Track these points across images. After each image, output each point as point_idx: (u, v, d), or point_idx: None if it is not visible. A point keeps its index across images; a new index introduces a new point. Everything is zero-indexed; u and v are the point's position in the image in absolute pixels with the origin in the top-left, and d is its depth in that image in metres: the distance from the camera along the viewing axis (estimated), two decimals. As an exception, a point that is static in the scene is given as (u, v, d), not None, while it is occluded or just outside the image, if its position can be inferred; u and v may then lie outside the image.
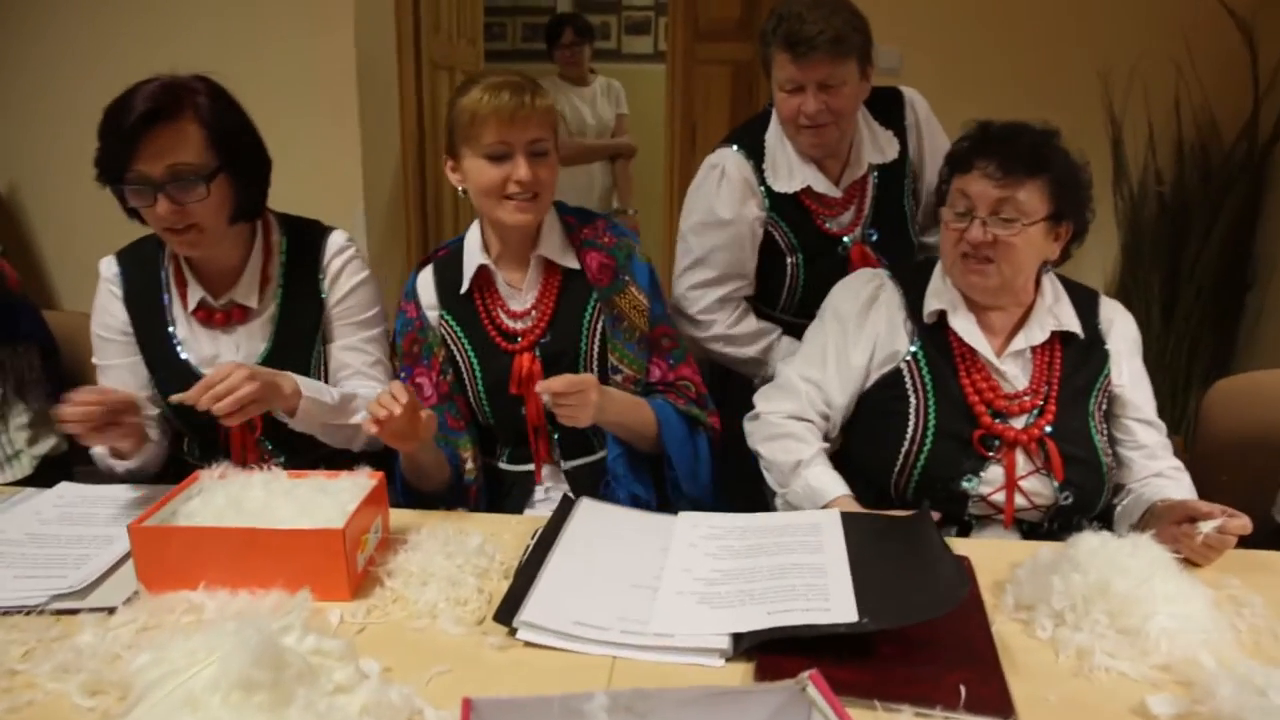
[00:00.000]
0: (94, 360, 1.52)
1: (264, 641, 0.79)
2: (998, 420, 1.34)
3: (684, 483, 1.42)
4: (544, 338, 1.44)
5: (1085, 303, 1.44)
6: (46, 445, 1.80)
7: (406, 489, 1.44)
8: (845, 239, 1.72)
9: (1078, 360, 1.39)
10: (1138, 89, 2.72)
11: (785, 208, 1.70)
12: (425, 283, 1.49)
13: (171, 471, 1.48)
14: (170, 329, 1.46)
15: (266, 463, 1.27)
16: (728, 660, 0.94)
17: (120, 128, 1.28)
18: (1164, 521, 1.21)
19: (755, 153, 1.72)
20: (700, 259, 1.73)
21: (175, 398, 1.26)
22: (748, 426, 1.49)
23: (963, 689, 0.86)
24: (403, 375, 1.47)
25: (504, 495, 1.48)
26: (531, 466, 1.47)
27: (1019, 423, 1.35)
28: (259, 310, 1.46)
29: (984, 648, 0.96)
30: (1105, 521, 1.36)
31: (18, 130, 3.04)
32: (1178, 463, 1.40)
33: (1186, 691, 0.88)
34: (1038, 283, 1.40)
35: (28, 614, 1.03)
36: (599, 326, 1.44)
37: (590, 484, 1.45)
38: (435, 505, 1.39)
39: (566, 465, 1.47)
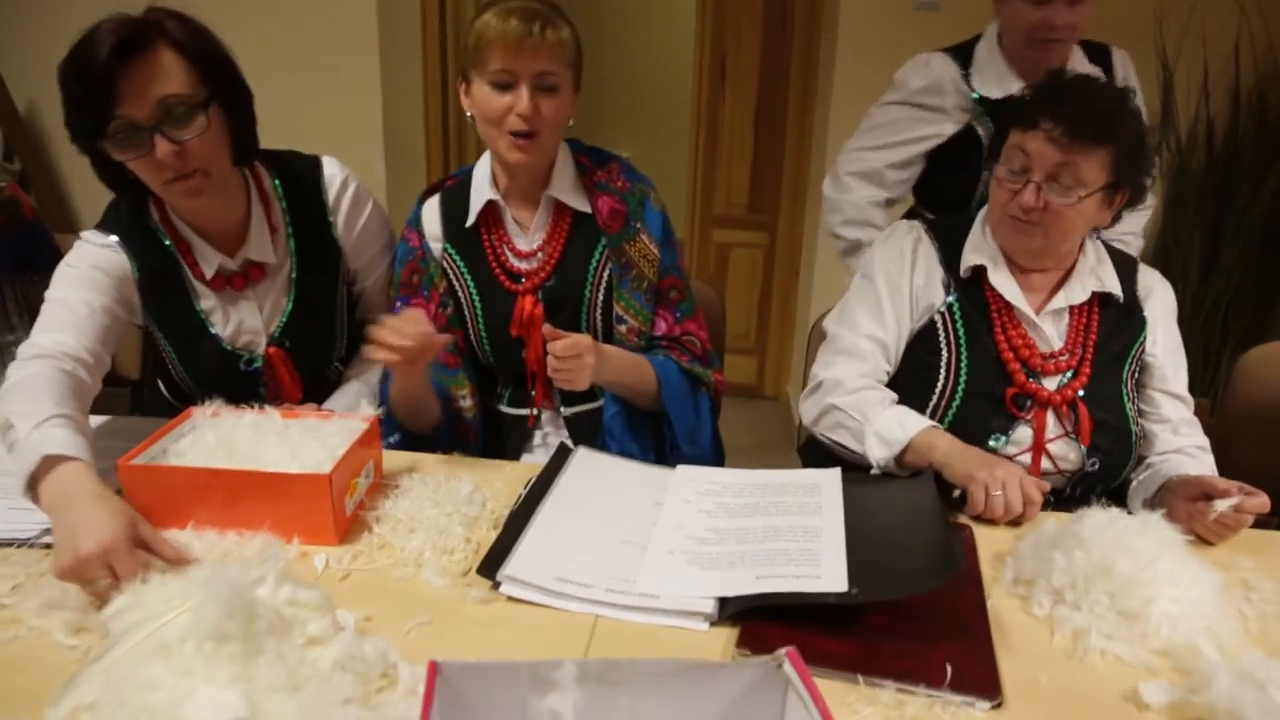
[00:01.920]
0: (53, 291, 1.28)
1: (235, 593, 0.78)
2: (1031, 380, 1.30)
3: (683, 443, 1.39)
4: (549, 281, 1.40)
5: (1125, 268, 1.37)
6: (57, 372, 1.81)
7: (403, 430, 1.42)
8: None
9: (1115, 325, 1.33)
10: (1194, 31, 2.56)
11: (993, 110, 1.70)
12: (430, 213, 1.45)
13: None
14: (196, 306, 1.36)
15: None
16: (712, 625, 0.92)
17: (90, 72, 1.12)
18: (1178, 497, 1.17)
19: (962, 59, 1.76)
20: (880, 125, 1.81)
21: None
22: (806, 403, 1.41)
23: (949, 667, 0.84)
24: (398, 305, 1.43)
25: (503, 438, 1.47)
26: (535, 410, 1.45)
27: (1052, 383, 1.30)
28: (276, 266, 1.39)
29: (977, 624, 0.93)
30: (1121, 495, 1.32)
31: (35, 47, 3.00)
32: (1203, 441, 1.35)
33: (1183, 680, 0.85)
34: (1081, 244, 1.34)
35: (18, 547, 1.03)
36: (606, 273, 1.40)
37: (590, 432, 1.42)
38: (436, 446, 1.37)
39: (567, 412, 1.44)
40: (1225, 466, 1.63)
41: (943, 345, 1.34)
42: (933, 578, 0.91)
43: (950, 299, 1.35)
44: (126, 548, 0.94)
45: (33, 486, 1.02)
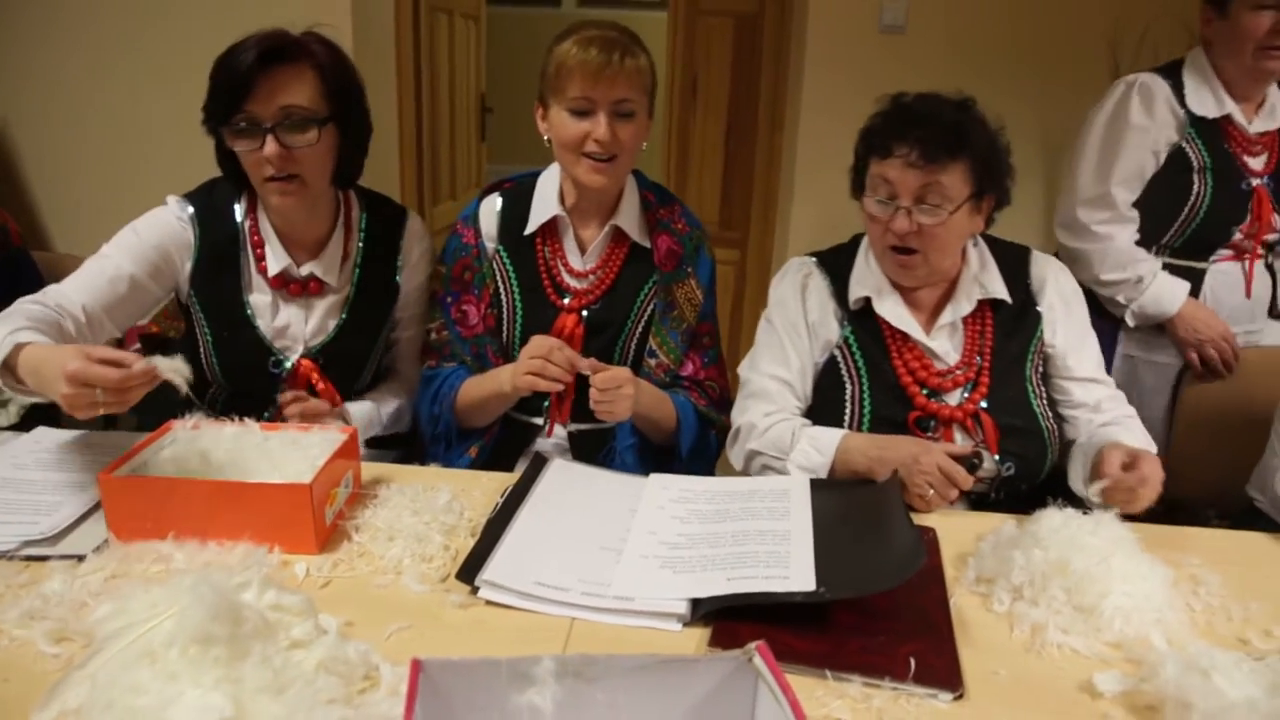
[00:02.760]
0: (108, 248, 1.39)
1: (220, 597, 0.80)
2: (932, 399, 1.34)
3: None
4: (596, 304, 1.43)
5: (1015, 264, 1.41)
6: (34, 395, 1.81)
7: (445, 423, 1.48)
8: (1255, 181, 1.76)
9: (1009, 327, 1.38)
10: (1147, 53, 2.66)
11: (1204, 129, 1.76)
12: (489, 212, 1.48)
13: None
14: (246, 296, 1.42)
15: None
16: (685, 625, 0.95)
17: (236, 69, 1.27)
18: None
19: (1173, 78, 1.80)
20: (1103, 165, 1.80)
21: (289, 410, 1.29)
22: (732, 452, 1.44)
23: (913, 661, 0.87)
24: (448, 300, 1.47)
25: (506, 442, 1.50)
26: (539, 419, 1.48)
27: (953, 398, 1.34)
28: (336, 288, 1.45)
29: (940, 620, 0.97)
30: (1063, 483, 1.35)
31: (13, 65, 2.99)
32: (1129, 410, 1.39)
33: (1135, 670, 0.89)
34: (964, 252, 1.38)
35: (-1, 559, 1.04)
36: (650, 308, 1.44)
37: (590, 450, 1.45)
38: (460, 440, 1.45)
39: (572, 427, 1.47)
40: (1183, 472, 1.70)
41: (845, 378, 1.38)
42: (896, 575, 0.95)
43: (845, 332, 1.39)
44: (98, 353, 1.05)
45: (10, 372, 1.13)
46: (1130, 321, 1.82)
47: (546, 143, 1.40)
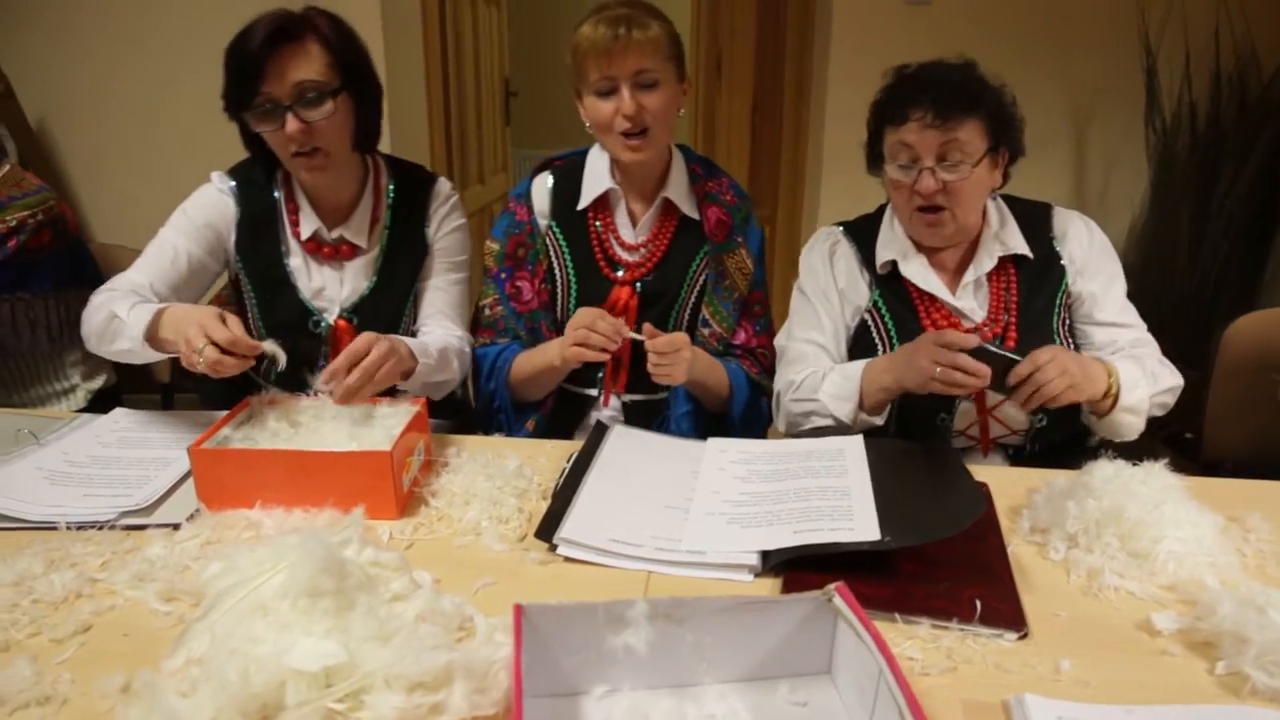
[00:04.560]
0: (167, 230, 1.49)
1: (328, 553, 0.85)
2: None
3: None
4: (649, 276, 1.48)
5: (1035, 220, 1.44)
6: (99, 380, 1.89)
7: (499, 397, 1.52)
8: None
9: (1033, 281, 1.41)
10: (1176, 17, 2.66)
11: None
12: (541, 189, 1.52)
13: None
14: (285, 260, 1.50)
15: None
16: (756, 576, 1.00)
17: (246, 53, 1.32)
18: None
19: None
20: None
21: (324, 375, 1.23)
22: (777, 417, 1.48)
23: (978, 603, 0.91)
24: (502, 276, 1.51)
25: (563, 413, 1.54)
26: (593, 391, 1.53)
27: None
28: (367, 249, 1.51)
29: (1000, 567, 1.01)
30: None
31: (44, 63, 3.05)
32: (1150, 348, 1.39)
33: (1190, 609, 0.93)
34: (984, 212, 1.42)
35: (99, 529, 1.10)
36: (702, 278, 1.48)
37: (644, 420, 1.50)
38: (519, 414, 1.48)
39: (627, 398, 1.51)
40: (1219, 431, 1.72)
41: (876, 341, 1.42)
42: (958, 522, 0.99)
43: (874, 296, 1.43)
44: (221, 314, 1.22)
45: (150, 338, 1.28)
46: None
47: (589, 130, 1.43)
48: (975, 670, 0.85)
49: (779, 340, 1.54)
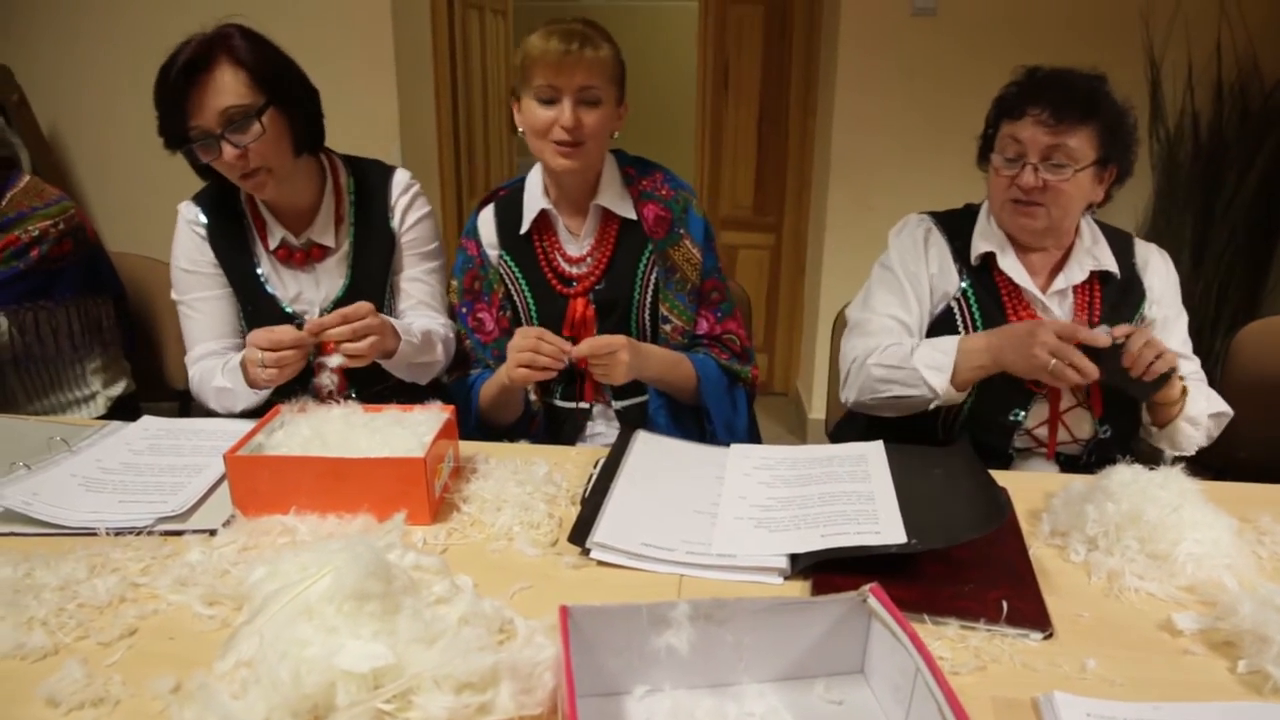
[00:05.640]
0: (176, 296, 1.59)
1: (375, 556, 0.87)
2: None
3: (721, 434, 1.50)
4: (599, 284, 1.50)
5: (1121, 245, 1.49)
6: (119, 387, 1.91)
7: (479, 423, 1.52)
8: None
9: (1116, 299, 1.44)
10: (1179, 29, 2.70)
11: None
12: (486, 221, 1.55)
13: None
14: (257, 268, 1.53)
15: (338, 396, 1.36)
16: (786, 579, 1.02)
17: (167, 90, 1.36)
18: None
19: None
20: None
21: (313, 323, 1.32)
22: (846, 389, 1.48)
23: (1004, 604, 0.94)
24: (464, 311, 1.54)
25: (558, 429, 1.57)
26: (584, 404, 1.55)
27: None
28: (335, 248, 1.54)
29: (1023, 569, 1.03)
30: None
31: (55, 71, 3.08)
32: (1202, 380, 1.46)
33: (1210, 610, 0.95)
34: (1077, 226, 1.45)
35: (138, 534, 1.12)
36: (653, 277, 1.50)
37: (638, 424, 1.52)
38: (500, 438, 1.47)
39: (618, 405, 1.54)
40: (1231, 436, 1.75)
41: (960, 330, 1.44)
42: (984, 525, 1.02)
43: (964, 284, 1.45)
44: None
45: (254, 386, 1.42)
46: None
47: (520, 134, 1.46)
48: (1003, 669, 0.88)
49: (852, 312, 1.55)
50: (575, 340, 1.50)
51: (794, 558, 1.03)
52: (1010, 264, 1.44)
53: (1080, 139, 1.33)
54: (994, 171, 1.41)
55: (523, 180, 1.55)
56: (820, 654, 0.84)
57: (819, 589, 0.99)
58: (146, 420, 1.48)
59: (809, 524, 1.08)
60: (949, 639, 0.92)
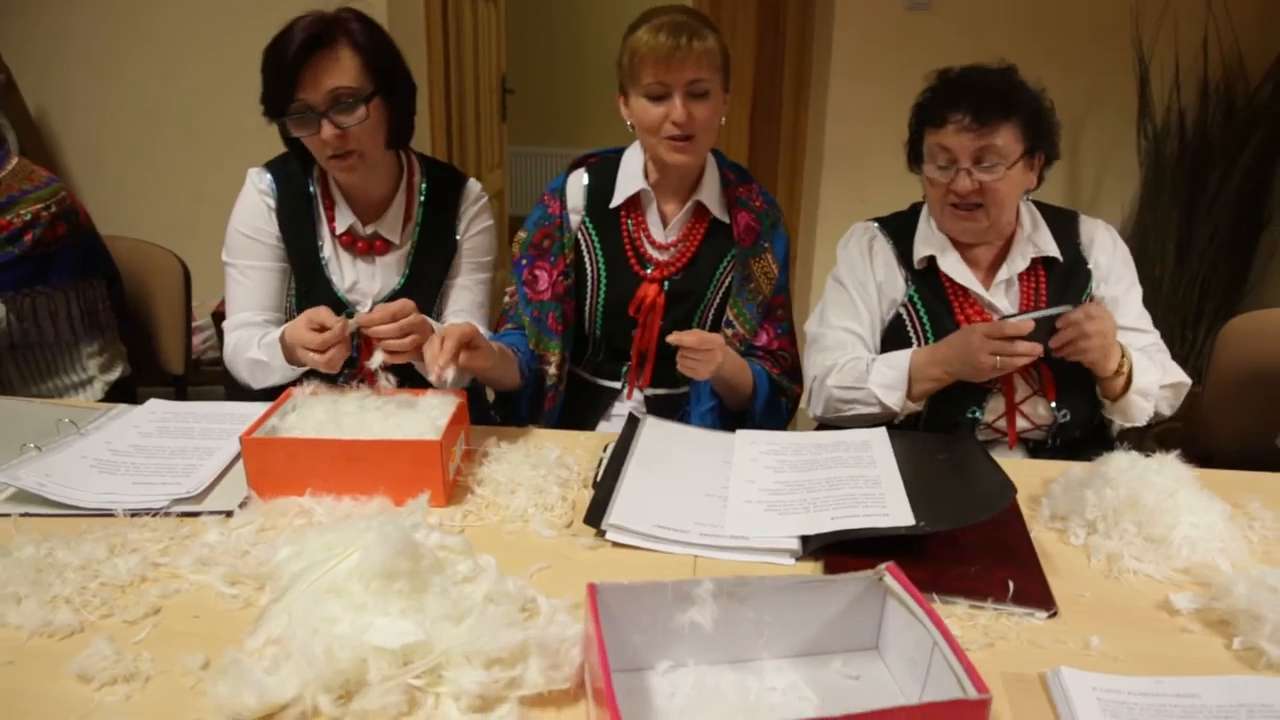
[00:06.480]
0: (228, 258, 1.57)
1: (403, 535, 0.89)
2: None
3: None
4: (676, 275, 1.52)
5: (1064, 225, 1.51)
6: (115, 371, 1.90)
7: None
8: None
9: (1062, 283, 1.47)
10: (1168, 27, 2.74)
11: None
12: (576, 186, 1.56)
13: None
14: (320, 250, 1.54)
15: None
16: (798, 560, 1.05)
17: (282, 61, 1.35)
18: None
19: None
20: None
21: (358, 320, 1.30)
22: (812, 405, 1.53)
23: (1010, 584, 0.97)
24: (523, 263, 1.55)
25: (583, 405, 1.58)
26: (616, 384, 1.58)
27: None
28: (399, 245, 1.56)
29: (1025, 551, 1.07)
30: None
31: (42, 53, 3.04)
32: (1161, 350, 1.48)
33: (1205, 590, 0.99)
34: (1017, 213, 1.48)
35: (153, 515, 1.13)
36: (728, 280, 1.53)
37: (664, 414, 1.54)
38: (518, 409, 1.51)
39: (649, 392, 1.56)
40: (1214, 428, 1.79)
41: (911, 335, 1.48)
42: (990, 507, 1.05)
43: (910, 290, 1.49)
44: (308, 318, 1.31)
45: (291, 360, 1.40)
46: None
47: (630, 129, 1.47)
48: (1011, 646, 0.91)
49: (809, 326, 1.59)
50: (639, 322, 1.51)
51: (805, 540, 1.06)
52: (952, 265, 1.46)
53: (1005, 136, 1.35)
54: (929, 181, 1.43)
55: (618, 152, 1.56)
56: (837, 631, 0.87)
57: (831, 568, 1.02)
58: (153, 403, 1.48)
59: (818, 507, 1.11)
60: (958, 617, 0.95)
